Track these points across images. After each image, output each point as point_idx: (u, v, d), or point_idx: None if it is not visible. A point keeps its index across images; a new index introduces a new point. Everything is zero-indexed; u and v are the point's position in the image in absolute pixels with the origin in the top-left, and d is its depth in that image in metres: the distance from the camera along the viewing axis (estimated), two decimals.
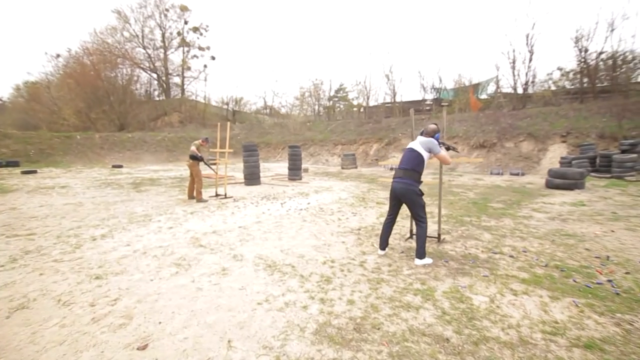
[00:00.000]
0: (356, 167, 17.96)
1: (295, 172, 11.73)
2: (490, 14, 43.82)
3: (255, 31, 64.45)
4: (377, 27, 57.19)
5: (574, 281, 2.96)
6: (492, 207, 6.58)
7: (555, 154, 13.77)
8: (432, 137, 3.50)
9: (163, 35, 34.46)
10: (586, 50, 16.35)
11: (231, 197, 7.77)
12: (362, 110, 29.13)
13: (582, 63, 16.73)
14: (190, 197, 7.38)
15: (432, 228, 4.24)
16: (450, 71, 47.02)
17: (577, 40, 16.66)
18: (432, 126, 3.57)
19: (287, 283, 2.90)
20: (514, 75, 18.81)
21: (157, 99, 34.16)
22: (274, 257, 3.57)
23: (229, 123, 7.82)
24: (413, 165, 3.37)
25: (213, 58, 36.26)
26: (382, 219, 5.47)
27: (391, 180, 3.60)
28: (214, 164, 7.48)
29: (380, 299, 2.60)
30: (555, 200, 7.34)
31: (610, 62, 15.55)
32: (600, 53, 16.65)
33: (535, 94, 18.32)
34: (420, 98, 24.80)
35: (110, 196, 7.73)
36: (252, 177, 10.22)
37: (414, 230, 4.47)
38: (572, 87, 18.99)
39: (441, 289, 2.78)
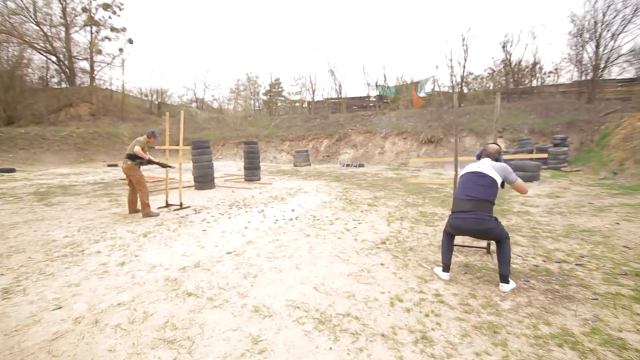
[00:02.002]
0: (310, 164, 17.11)
1: (253, 171, 10.30)
2: (430, 15, 46.50)
3: (183, 15, 57.99)
4: (320, 22, 56.21)
5: None
6: None
7: None
8: (498, 159, 2.82)
9: (63, 11, 28.18)
10: (510, 55, 18.30)
11: (189, 206, 6.15)
12: (305, 105, 28.35)
13: (508, 66, 18.71)
14: (133, 210, 5.56)
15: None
16: (393, 69, 48.56)
17: (504, 45, 18.54)
18: (495, 146, 2.88)
19: (373, 354, 1.85)
20: (451, 75, 20.10)
21: (58, 86, 27.92)
22: (315, 303, 2.45)
23: (182, 112, 6.13)
24: (487, 196, 2.62)
25: (131, 41, 31.11)
26: (394, 226, 4.71)
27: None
28: (150, 162, 5.56)
29: None
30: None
31: (530, 66, 17.68)
32: (520, 60, 18.83)
33: (469, 93, 19.89)
34: (364, 94, 25.05)
35: (5, 215, 5.40)
36: (205, 180, 8.53)
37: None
38: (490, 87, 21.22)
39: (575, 329, 2.07)
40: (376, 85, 23.65)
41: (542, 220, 5.03)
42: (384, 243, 3.94)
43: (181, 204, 6.03)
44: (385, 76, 23.25)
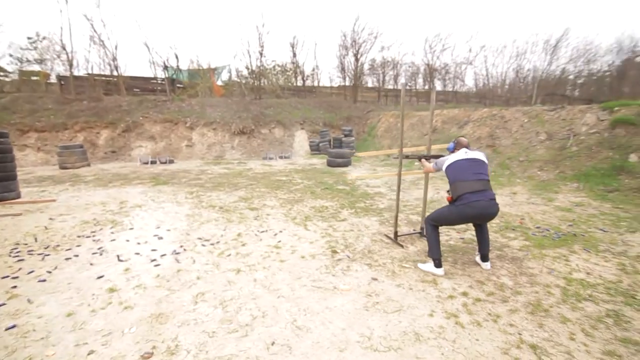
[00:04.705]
0: (89, 164, 12.33)
1: (5, 185, 6.06)
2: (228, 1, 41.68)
3: None
4: None
5: (543, 235, 3.80)
6: (345, 189, 6.96)
7: (300, 139, 16.81)
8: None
9: None
10: (297, 55, 20.93)
11: None
12: (51, 80, 19.89)
13: (296, 65, 21.29)
14: None
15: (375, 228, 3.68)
16: (186, 50, 40.49)
17: (292, 46, 20.81)
18: (465, 139, 3.00)
19: None
20: (250, 66, 20.36)
21: None
22: None
23: None
24: (488, 176, 2.76)
25: None
26: (314, 229, 4.23)
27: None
28: None
29: (591, 338, 1.99)
30: (357, 174, 9.03)
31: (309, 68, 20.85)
32: (304, 62, 21.90)
33: (267, 87, 20.98)
34: (150, 75, 20.70)
35: None
36: None
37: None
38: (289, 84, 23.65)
39: (561, 284, 2.59)
40: (165, 66, 20.09)
41: (404, 199, 6.08)
42: (335, 252, 3.38)
43: None
44: (177, 56, 19.97)
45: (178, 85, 20.71)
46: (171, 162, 13.18)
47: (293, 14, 38.76)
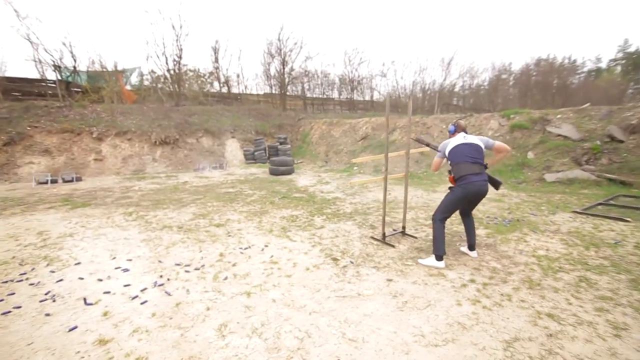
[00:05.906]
0: None
1: None
2: None
3: None
4: None
5: (495, 223, 4.48)
6: (303, 197, 6.95)
7: (233, 148, 16.02)
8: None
9: None
10: (219, 60, 19.98)
11: None
12: None
13: (220, 70, 20.25)
14: None
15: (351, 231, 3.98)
16: (84, 48, 32.62)
17: (215, 50, 19.74)
18: (464, 122, 3.44)
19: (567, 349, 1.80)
20: (167, 69, 18.53)
21: None
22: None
23: None
24: (483, 160, 3.12)
25: None
26: (299, 239, 4.13)
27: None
28: None
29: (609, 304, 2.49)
30: (305, 183, 9.10)
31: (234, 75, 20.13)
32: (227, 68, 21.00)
33: (188, 92, 19.36)
34: (36, 77, 16.90)
35: None
36: None
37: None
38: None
39: (535, 261, 3.12)
40: (57, 67, 16.70)
41: (361, 202, 6.37)
42: (336, 259, 3.38)
43: None
44: (73, 56, 16.55)
45: (75, 89, 17.54)
46: (78, 179, 11.09)
47: (215, 18, 36.97)
